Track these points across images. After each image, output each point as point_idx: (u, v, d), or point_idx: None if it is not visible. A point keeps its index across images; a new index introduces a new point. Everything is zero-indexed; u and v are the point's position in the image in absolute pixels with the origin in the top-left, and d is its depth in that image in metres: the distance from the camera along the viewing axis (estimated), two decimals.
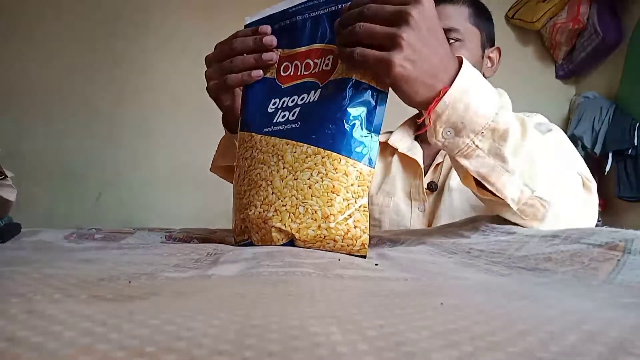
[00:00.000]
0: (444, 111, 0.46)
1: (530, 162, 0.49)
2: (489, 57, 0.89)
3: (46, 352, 0.14)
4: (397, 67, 0.43)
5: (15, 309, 0.18)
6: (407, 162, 0.89)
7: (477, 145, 0.47)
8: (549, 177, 0.51)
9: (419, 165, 0.86)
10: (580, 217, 0.58)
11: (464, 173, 0.52)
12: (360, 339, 0.16)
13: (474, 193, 0.54)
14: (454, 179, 0.81)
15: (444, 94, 0.45)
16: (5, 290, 0.23)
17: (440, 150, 0.87)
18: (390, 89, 0.48)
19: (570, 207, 0.56)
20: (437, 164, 0.86)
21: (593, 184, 0.61)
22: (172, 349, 0.15)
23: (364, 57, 0.44)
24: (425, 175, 0.86)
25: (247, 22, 0.60)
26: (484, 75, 0.80)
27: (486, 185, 0.49)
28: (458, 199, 0.80)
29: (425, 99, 0.46)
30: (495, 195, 0.50)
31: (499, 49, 0.90)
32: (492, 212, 0.58)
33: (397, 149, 0.90)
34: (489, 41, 0.88)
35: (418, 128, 0.95)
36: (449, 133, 0.47)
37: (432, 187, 0.84)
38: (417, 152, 0.88)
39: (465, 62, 0.47)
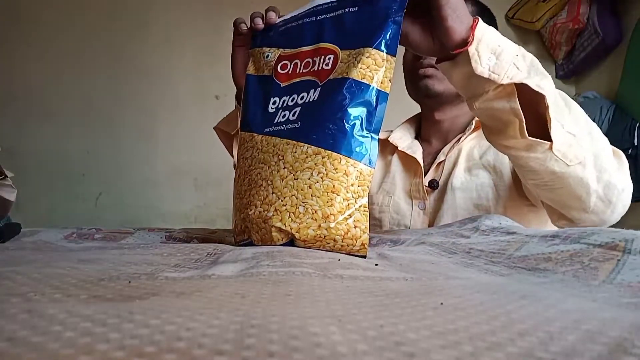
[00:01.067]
0: (483, 34, 0.52)
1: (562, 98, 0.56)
2: None
3: (46, 352, 0.14)
4: None
5: (15, 309, 0.18)
6: (407, 160, 0.89)
7: (517, 67, 0.52)
8: (583, 118, 0.58)
9: (418, 163, 0.85)
10: (621, 176, 0.61)
11: (503, 122, 0.55)
12: (360, 339, 0.16)
13: (510, 152, 0.58)
14: (457, 178, 0.81)
15: (477, 23, 0.52)
16: (5, 290, 0.23)
17: (441, 148, 0.86)
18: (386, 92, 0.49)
19: (609, 158, 0.60)
20: (439, 162, 0.85)
21: (622, 153, 0.64)
22: (172, 349, 0.15)
23: None
24: (426, 173, 0.86)
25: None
26: None
27: (540, 90, 0.52)
28: (461, 198, 0.80)
29: (465, 27, 0.52)
30: (539, 134, 0.53)
31: None
32: (530, 168, 0.58)
33: (397, 147, 0.90)
34: None
35: (419, 127, 0.94)
36: (490, 58, 0.52)
37: (433, 184, 0.83)
38: (417, 151, 0.88)
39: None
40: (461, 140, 0.84)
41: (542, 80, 0.52)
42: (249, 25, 0.63)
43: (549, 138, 0.53)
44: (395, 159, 0.91)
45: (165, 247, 0.46)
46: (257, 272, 0.31)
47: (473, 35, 0.51)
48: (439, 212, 0.81)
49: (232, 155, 0.78)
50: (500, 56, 0.52)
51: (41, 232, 0.63)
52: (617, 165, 0.62)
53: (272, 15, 0.60)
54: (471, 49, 0.51)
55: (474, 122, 0.84)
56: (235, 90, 0.70)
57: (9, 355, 0.14)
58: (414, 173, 0.87)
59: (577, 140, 0.55)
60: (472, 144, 0.83)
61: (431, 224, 0.81)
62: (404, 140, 0.91)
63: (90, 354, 0.14)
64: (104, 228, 0.69)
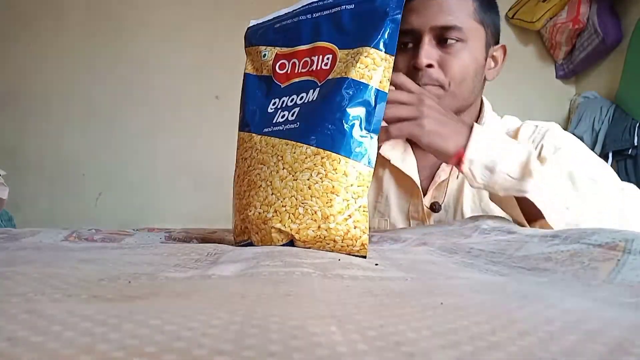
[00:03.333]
0: (474, 154, 0.56)
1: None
2: (493, 57, 0.79)
3: (46, 352, 0.14)
4: (427, 125, 0.56)
5: (15, 309, 0.18)
6: (402, 177, 0.80)
7: (510, 176, 0.56)
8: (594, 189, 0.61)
9: (415, 184, 0.78)
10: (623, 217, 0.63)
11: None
12: (360, 339, 0.16)
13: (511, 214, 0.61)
14: (467, 205, 0.76)
15: (468, 142, 0.56)
16: (5, 290, 0.23)
17: (440, 163, 0.79)
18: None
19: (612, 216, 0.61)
20: (441, 182, 0.78)
21: (626, 185, 0.69)
22: (173, 349, 0.15)
23: (400, 130, 0.56)
24: (425, 192, 0.78)
25: (251, 25, 0.60)
26: (485, 78, 0.79)
27: (530, 198, 0.55)
28: None
29: (453, 149, 0.56)
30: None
31: (504, 48, 0.80)
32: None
33: (388, 160, 0.81)
34: (493, 38, 0.77)
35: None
36: (484, 174, 0.56)
37: (435, 207, 0.77)
38: (410, 164, 0.79)
39: (475, 125, 0.58)
40: None
41: (536, 181, 0.55)
42: None
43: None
44: (387, 176, 0.82)
45: (165, 247, 0.46)
46: (257, 272, 0.31)
47: (463, 158, 0.55)
48: None
49: None
50: (494, 170, 0.56)
51: (41, 232, 0.63)
52: (619, 209, 0.64)
53: None
54: (464, 169, 0.56)
55: None
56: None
57: (9, 355, 0.14)
58: (410, 193, 0.80)
59: (584, 219, 0.56)
60: None
61: None
62: (396, 150, 0.81)
63: (90, 354, 0.14)
64: (104, 229, 0.69)
